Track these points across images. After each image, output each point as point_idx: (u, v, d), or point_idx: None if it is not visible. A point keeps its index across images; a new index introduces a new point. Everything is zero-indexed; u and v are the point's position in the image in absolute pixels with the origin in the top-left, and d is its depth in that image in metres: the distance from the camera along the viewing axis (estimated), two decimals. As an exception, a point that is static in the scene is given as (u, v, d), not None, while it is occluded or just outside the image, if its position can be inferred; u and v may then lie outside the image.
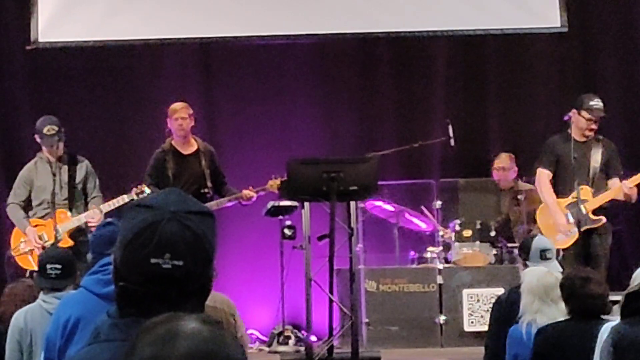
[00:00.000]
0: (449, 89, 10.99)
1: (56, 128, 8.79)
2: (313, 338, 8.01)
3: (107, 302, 3.21)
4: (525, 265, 6.29)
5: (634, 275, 5.09)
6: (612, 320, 5.01)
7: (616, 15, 10.98)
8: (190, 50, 10.90)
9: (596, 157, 8.80)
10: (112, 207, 8.66)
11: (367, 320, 9.38)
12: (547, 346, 5.34)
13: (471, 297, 9.44)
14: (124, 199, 8.61)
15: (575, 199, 8.67)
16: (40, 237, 8.70)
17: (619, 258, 10.01)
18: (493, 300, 7.13)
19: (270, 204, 9.37)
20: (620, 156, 9.02)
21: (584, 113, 8.75)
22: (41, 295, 5.59)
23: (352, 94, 11.05)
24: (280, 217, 9.60)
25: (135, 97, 10.80)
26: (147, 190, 8.59)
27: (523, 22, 10.25)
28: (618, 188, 8.70)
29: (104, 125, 10.67)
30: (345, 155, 10.01)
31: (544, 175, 8.88)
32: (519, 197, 9.83)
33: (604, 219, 8.70)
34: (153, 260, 2.01)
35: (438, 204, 9.90)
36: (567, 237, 8.62)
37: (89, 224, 8.68)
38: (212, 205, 8.81)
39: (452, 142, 9.94)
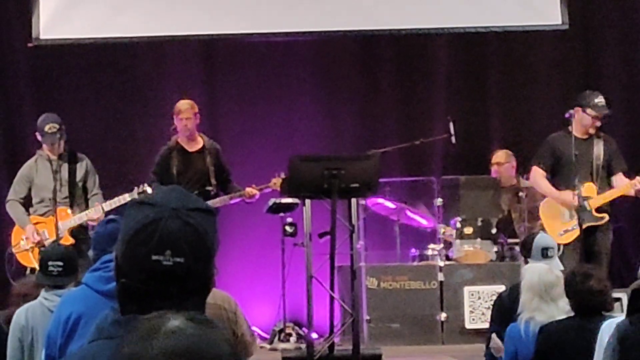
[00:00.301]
0: (450, 87, 10.99)
1: (57, 126, 8.79)
2: (314, 335, 8.01)
3: (109, 300, 3.21)
4: (527, 263, 6.29)
5: None
6: (613, 317, 5.01)
7: (617, 12, 10.97)
8: (192, 48, 10.90)
9: (598, 154, 8.79)
10: (114, 206, 8.65)
11: (368, 317, 9.38)
12: (550, 344, 5.34)
13: (472, 295, 9.44)
14: (125, 198, 8.60)
15: (578, 196, 8.65)
16: (38, 234, 8.70)
17: (620, 255, 10.01)
18: (494, 298, 7.14)
19: (272, 201, 9.37)
20: (622, 154, 9.01)
21: (589, 111, 8.74)
22: (42, 293, 5.59)
23: (354, 91, 11.05)
24: (282, 214, 9.60)
25: (138, 94, 10.80)
26: (149, 190, 8.59)
27: (524, 20, 10.25)
28: (627, 185, 8.67)
29: (106, 123, 10.67)
30: (346, 153, 10.02)
31: (538, 174, 8.88)
32: (520, 194, 9.83)
33: (606, 217, 8.69)
34: (154, 257, 2.01)
35: (439, 201, 9.90)
36: (572, 231, 8.59)
37: (90, 222, 8.68)
38: (215, 202, 8.81)
39: (453, 139, 9.94)
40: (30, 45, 10.13)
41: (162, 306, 1.86)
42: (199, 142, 9.28)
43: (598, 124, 8.78)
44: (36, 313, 5.47)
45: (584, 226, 8.55)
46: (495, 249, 9.79)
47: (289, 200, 9.07)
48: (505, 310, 6.21)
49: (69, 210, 8.78)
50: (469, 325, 9.37)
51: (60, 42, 10.21)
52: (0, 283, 10.16)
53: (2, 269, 9.16)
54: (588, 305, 5.28)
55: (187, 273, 2.02)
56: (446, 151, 10.45)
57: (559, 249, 6.90)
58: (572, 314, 5.48)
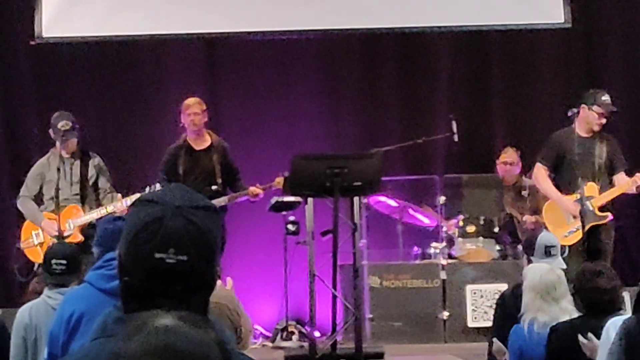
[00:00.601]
0: (453, 85, 10.99)
1: (70, 124, 8.80)
2: (316, 333, 8.01)
3: (111, 298, 3.22)
4: (529, 261, 6.28)
5: None
6: (618, 316, 4.98)
7: (620, 10, 10.97)
8: (195, 46, 10.90)
9: (600, 153, 8.78)
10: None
11: (370, 315, 9.39)
12: (562, 344, 5.30)
13: (475, 293, 9.44)
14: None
15: (580, 196, 8.64)
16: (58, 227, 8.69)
17: (623, 253, 10.01)
18: (497, 296, 7.14)
19: (274, 199, 9.37)
20: (624, 152, 9.00)
21: (595, 108, 8.72)
22: (46, 291, 5.60)
23: (357, 89, 11.05)
24: (284, 212, 9.60)
25: (140, 93, 10.81)
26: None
27: (527, 18, 10.25)
28: (628, 182, 8.67)
29: (107, 121, 10.68)
30: (349, 151, 10.02)
31: (541, 170, 8.86)
32: (522, 193, 9.83)
33: (609, 215, 8.69)
34: (157, 255, 2.01)
35: (442, 199, 9.90)
36: (575, 233, 8.59)
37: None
38: (219, 201, 8.81)
39: (455, 137, 9.94)
40: (32, 43, 10.13)
41: (165, 304, 1.87)
42: (207, 140, 9.29)
43: (604, 121, 8.77)
44: (40, 311, 5.47)
45: (587, 226, 8.53)
46: (497, 247, 9.79)
47: (292, 198, 9.07)
48: (508, 309, 6.20)
49: (80, 207, 8.79)
50: (471, 324, 9.37)
51: (62, 41, 10.22)
52: (3, 280, 10.18)
53: (7, 265, 9.18)
54: (598, 304, 5.24)
55: (190, 271, 2.02)
56: (449, 150, 10.44)
57: (563, 250, 6.89)
58: (575, 313, 5.46)
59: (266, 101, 10.83)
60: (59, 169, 8.72)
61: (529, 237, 6.72)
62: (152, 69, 10.90)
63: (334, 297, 8.02)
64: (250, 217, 10.07)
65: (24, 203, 8.94)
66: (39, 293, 5.90)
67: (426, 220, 10.08)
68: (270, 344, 9.55)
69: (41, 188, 8.88)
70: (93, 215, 8.74)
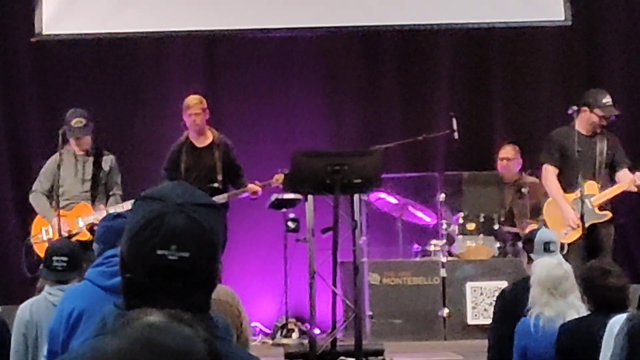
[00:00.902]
0: (453, 83, 10.99)
1: (84, 121, 8.80)
2: (316, 331, 8.02)
3: (111, 295, 3.22)
4: (529, 258, 6.28)
5: None
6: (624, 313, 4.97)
7: (621, 8, 10.96)
8: (195, 43, 10.91)
9: (601, 151, 8.77)
10: None
11: (370, 313, 9.39)
12: (573, 342, 5.29)
13: (475, 290, 9.45)
14: None
15: (580, 194, 8.63)
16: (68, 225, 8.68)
17: (623, 250, 10.02)
18: (496, 294, 7.14)
19: (274, 196, 9.38)
20: (625, 151, 8.99)
21: (597, 111, 8.68)
22: (46, 288, 5.60)
23: (357, 87, 11.05)
24: (284, 209, 9.61)
25: (140, 90, 10.81)
26: None
27: (527, 15, 10.24)
28: (629, 181, 8.66)
29: (107, 118, 10.67)
30: (349, 148, 10.02)
31: (550, 172, 8.81)
32: (522, 190, 9.83)
33: (609, 214, 8.68)
34: (159, 252, 2.01)
35: (442, 197, 9.91)
36: (575, 230, 8.59)
37: None
38: (219, 198, 8.81)
39: (456, 135, 9.94)
40: (33, 40, 10.13)
41: (167, 301, 1.87)
42: (209, 137, 9.28)
43: (605, 123, 8.75)
44: (40, 308, 5.48)
45: (587, 224, 8.52)
46: (497, 244, 9.79)
47: (292, 195, 9.07)
48: (507, 306, 6.20)
49: (90, 206, 8.77)
50: (471, 321, 9.38)
51: (63, 38, 10.22)
52: (4, 277, 10.18)
53: (4, 262, 9.17)
54: (608, 302, 5.21)
55: (191, 268, 2.02)
56: (449, 147, 10.44)
57: (562, 248, 6.89)
58: (583, 309, 5.45)
59: (266, 98, 10.83)
60: (59, 166, 8.70)
61: (528, 234, 6.72)
62: (152, 66, 10.90)
63: (334, 294, 8.03)
64: (251, 215, 10.08)
65: (36, 198, 8.90)
66: None
67: (426, 218, 10.09)
68: (270, 341, 9.56)
69: (53, 184, 8.83)
70: (103, 213, 8.73)
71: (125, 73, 10.78)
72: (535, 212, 9.47)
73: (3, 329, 5.75)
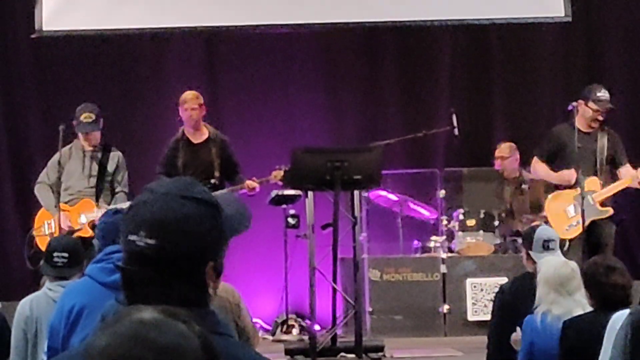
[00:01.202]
0: (453, 79, 10.99)
1: (93, 116, 8.77)
2: (317, 327, 8.02)
3: (111, 291, 3.22)
4: (528, 255, 6.28)
5: None
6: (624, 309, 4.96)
7: (621, 4, 10.96)
8: (195, 40, 10.90)
9: (601, 147, 8.76)
10: None
11: (370, 309, 9.40)
12: (577, 340, 5.28)
13: (475, 287, 9.45)
14: None
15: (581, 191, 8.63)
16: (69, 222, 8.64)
17: (624, 247, 10.01)
18: (496, 290, 7.15)
19: (274, 192, 9.38)
20: (626, 147, 8.98)
21: (591, 104, 8.70)
22: (47, 283, 5.60)
23: (357, 83, 11.05)
24: (284, 206, 9.61)
25: (139, 86, 10.81)
26: None
27: (527, 12, 10.23)
28: (631, 177, 8.65)
29: (107, 115, 10.66)
30: (349, 145, 10.02)
31: (538, 162, 8.86)
32: (523, 186, 9.84)
33: (611, 210, 8.68)
34: (130, 237, 2.02)
35: (442, 193, 9.91)
36: (576, 227, 8.57)
37: None
38: (216, 194, 8.80)
39: (456, 131, 9.93)
40: (33, 36, 10.12)
41: (148, 292, 1.89)
42: (205, 133, 9.25)
43: (600, 117, 8.75)
44: (41, 303, 5.48)
45: (588, 220, 8.51)
46: (497, 241, 9.80)
47: (292, 192, 9.08)
48: (506, 302, 6.21)
49: (94, 202, 8.75)
50: (471, 317, 9.38)
51: (63, 34, 10.20)
52: (4, 273, 10.19)
53: (5, 259, 9.16)
54: (612, 299, 5.20)
55: (160, 256, 2.00)
56: (449, 143, 10.44)
57: (563, 244, 6.88)
58: (589, 306, 5.45)
59: (266, 95, 10.83)
60: (59, 162, 8.67)
61: (527, 230, 6.72)
62: (152, 63, 10.90)
63: (334, 290, 8.04)
64: (250, 210, 10.06)
65: (41, 190, 8.85)
66: None
67: (426, 214, 10.09)
68: (270, 337, 9.56)
69: (60, 177, 8.79)
70: (123, 207, 8.68)
71: (125, 70, 10.77)
72: (536, 208, 9.48)
73: (3, 324, 5.76)
